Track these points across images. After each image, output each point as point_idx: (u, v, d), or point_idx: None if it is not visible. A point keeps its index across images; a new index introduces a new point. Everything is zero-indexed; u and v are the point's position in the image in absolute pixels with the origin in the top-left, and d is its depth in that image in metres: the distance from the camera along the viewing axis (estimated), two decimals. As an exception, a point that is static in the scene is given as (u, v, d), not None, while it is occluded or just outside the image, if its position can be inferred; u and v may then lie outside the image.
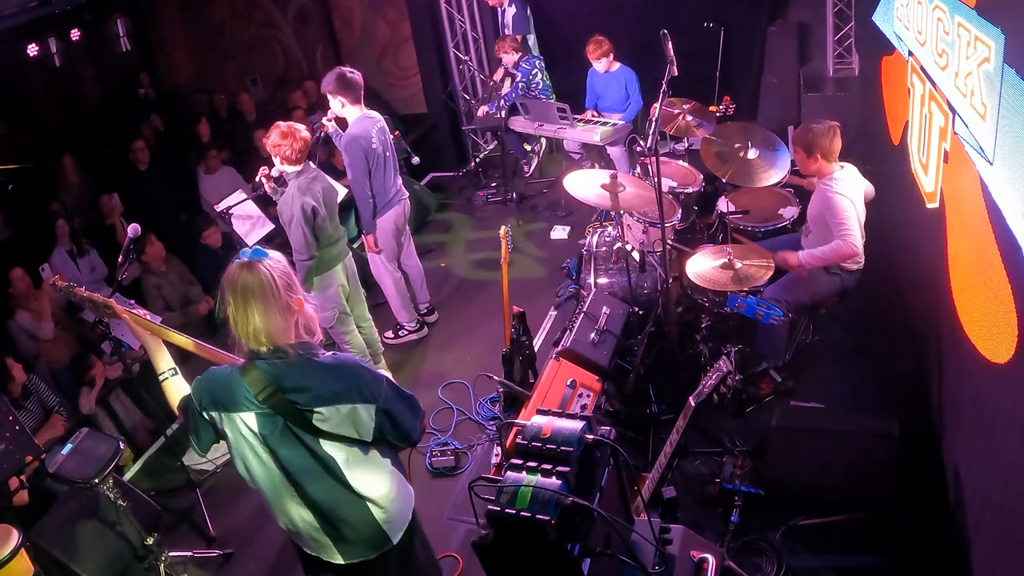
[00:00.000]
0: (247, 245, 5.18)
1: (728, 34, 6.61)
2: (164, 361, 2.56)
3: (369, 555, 2.45)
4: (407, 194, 5.10)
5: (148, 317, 2.71)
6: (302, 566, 2.63)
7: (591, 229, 5.36)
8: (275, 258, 2.23)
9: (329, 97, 4.64)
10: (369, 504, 2.37)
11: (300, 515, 2.36)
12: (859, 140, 6.05)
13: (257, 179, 4.44)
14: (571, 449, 2.11)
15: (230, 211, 5.10)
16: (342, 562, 2.45)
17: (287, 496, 2.33)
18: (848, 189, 3.87)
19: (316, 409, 2.20)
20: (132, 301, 4.48)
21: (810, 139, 3.90)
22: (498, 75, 7.15)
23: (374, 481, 2.37)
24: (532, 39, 7.62)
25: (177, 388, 2.50)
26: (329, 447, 2.26)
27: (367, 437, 2.28)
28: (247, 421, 2.23)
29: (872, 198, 4.08)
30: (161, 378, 2.54)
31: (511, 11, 7.36)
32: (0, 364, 4.47)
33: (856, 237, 3.82)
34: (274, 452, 2.25)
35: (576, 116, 6.50)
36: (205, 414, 2.28)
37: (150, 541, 3.71)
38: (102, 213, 6.58)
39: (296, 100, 7.90)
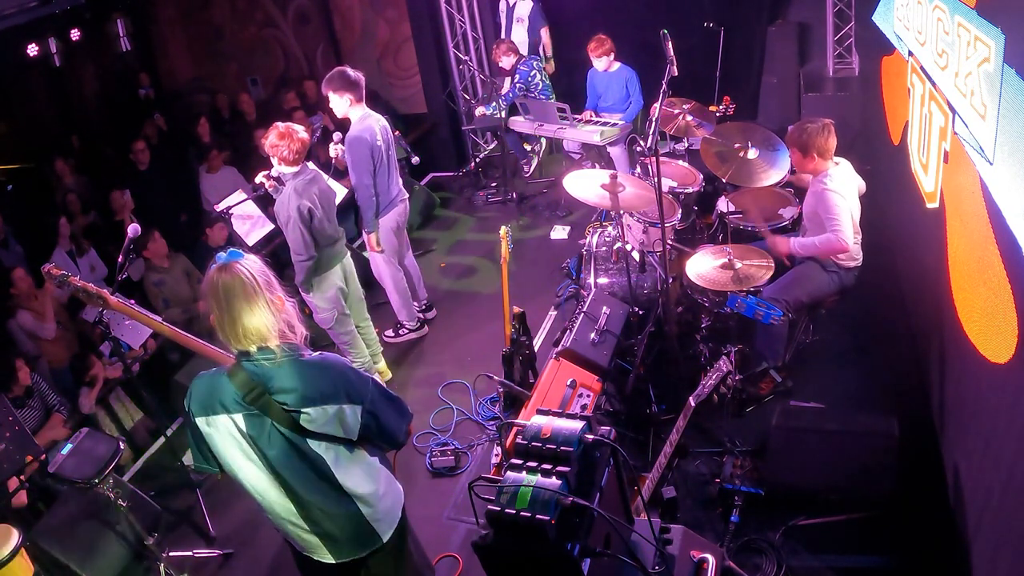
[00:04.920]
0: (247, 245, 5.20)
1: (728, 34, 6.61)
2: None
3: (359, 553, 2.46)
4: (407, 194, 5.11)
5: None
6: (297, 566, 2.63)
7: (591, 229, 5.37)
8: (251, 259, 2.25)
9: (333, 96, 4.63)
10: (357, 502, 2.39)
11: (289, 515, 2.37)
12: (859, 140, 6.06)
13: (257, 182, 4.44)
14: (571, 449, 2.11)
15: (230, 211, 5.11)
16: (333, 561, 2.46)
17: (276, 496, 2.34)
18: (841, 186, 3.89)
19: (303, 410, 2.21)
20: (132, 301, 4.49)
21: (805, 139, 3.92)
22: (505, 86, 7.14)
23: (362, 479, 2.39)
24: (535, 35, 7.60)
25: None
26: (317, 446, 2.28)
27: (352, 436, 2.30)
28: (236, 422, 2.23)
29: (862, 193, 4.10)
30: None
31: (527, 5, 7.35)
32: (9, 364, 4.48)
33: (847, 232, 3.83)
34: (262, 453, 2.26)
35: (576, 116, 6.50)
36: (195, 420, 2.28)
37: (150, 541, 3.71)
38: (103, 213, 6.58)
39: (295, 100, 7.91)
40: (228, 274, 2.16)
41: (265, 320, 2.18)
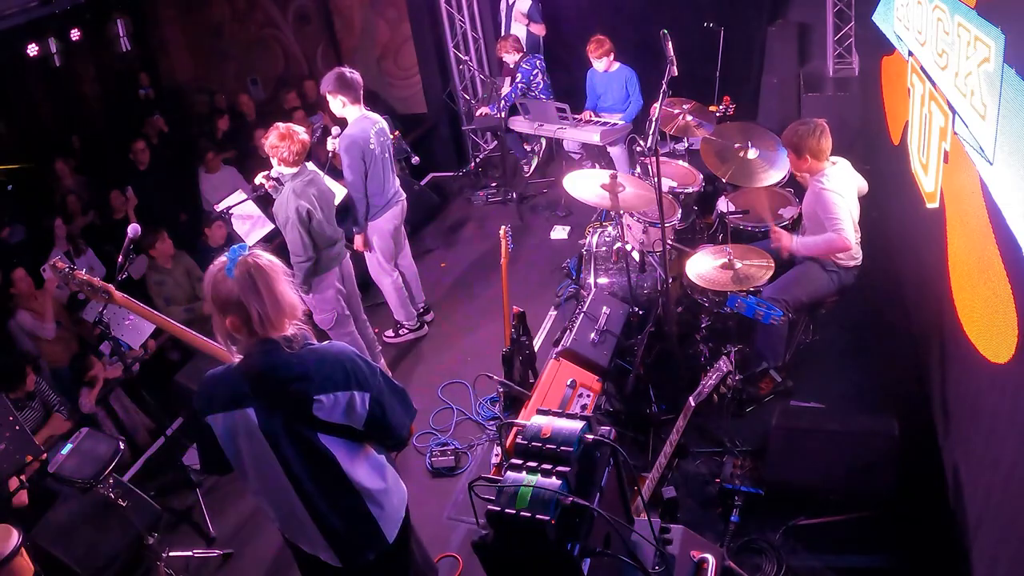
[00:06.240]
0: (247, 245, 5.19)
1: (728, 34, 6.60)
2: None
3: (367, 557, 2.46)
4: (404, 195, 5.10)
5: (140, 321, 2.75)
6: (300, 570, 2.63)
7: (591, 229, 5.36)
8: None
9: (328, 97, 4.65)
10: (365, 499, 2.39)
11: (297, 513, 2.37)
12: (859, 140, 6.05)
13: (256, 182, 4.44)
14: (571, 449, 2.11)
15: (230, 211, 5.11)
16: (340, 566, 2.45)
17: (285, 492, 2.33)
18: (838, 185, 3.88)
19: (316, 397, 2.21)
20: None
21: (796, 140, 3.92)
22: (505, 87, 7.13)
23: (370, 475, 2.39)
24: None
25: None
26: (327, 440, 2.28)
27: (359, 426, 2.30)
28: (248, 417, 2.23)
29: (864, 193, 4.10)
30: None
31: (526, 2, 7.34)
32: (20, 371, 4.49)
33: (848, 231, 3.83)
34: (274, 446, 2.26)
35: (576, 116, 6.50)
36: (206, 419, 2.27)
37: (150, 541, 3.71)
38: (103, 213, 6.58)
39: (296, 100, 7.91)
40: (255, 263, 2.17)
41: (295, 295, 2.24)
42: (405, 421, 2.40)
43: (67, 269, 2.90)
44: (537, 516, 1.98)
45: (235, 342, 2.24)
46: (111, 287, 2.81)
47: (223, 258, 2.19)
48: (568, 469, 2.08)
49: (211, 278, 2.19)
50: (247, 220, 5.34)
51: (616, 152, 6.53)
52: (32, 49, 6.17)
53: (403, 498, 2.56)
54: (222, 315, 2.19)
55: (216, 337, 2.27)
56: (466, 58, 7.94)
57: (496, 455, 4.03)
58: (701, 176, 5.01)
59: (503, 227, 4.23)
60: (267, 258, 2.22)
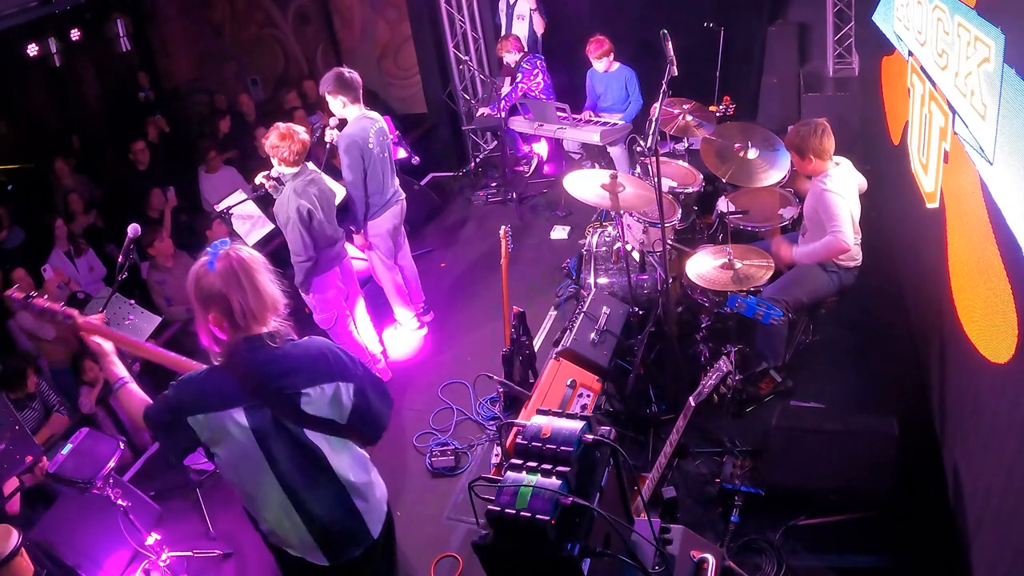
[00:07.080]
0: (247, 245, 5.19)
1: (728, 34, 6.60)
2: (119, 368, 2.56)
3: (353, 553, 2.47)
4: (403, 195, 5.10)
5: (140, 321, 2.70)
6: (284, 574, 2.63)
7: (591, 229, 5.37)
8: None
9: (328, 97, 4.65)
10: (351, 493, 2.41)
11: (286, 511, 2.37)
12: (859, 140, 6.05)
13: (257, 182, 4.44)
14: (571, 449, 2.11)
15: (230, 211, 5.11)
16: (327, 563, 2.45)
17: (274, 491, 2.33)
18: (840, 186, 3.88)
19: (303, 391, 2.25)
20: (132, 301, 4.44)
21: (799, 142, 3.92)
22: (505, 87, 7.13)
23: (355, 468, 2.42)
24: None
25: (138, 396, 2.47)
26: (313, 436, 2.31)
27: (344, 419, 2.33)
28: (235, 417, 2.23)
29: (863, 190, 4.10)
30: (117, 386, 2.52)
31: (527, 2, 7.31)
32: (20, 371, 4.50)
33: (848, 233, 3.83)
34: (262, 445, 2.27)
35: (576, 116, 6.50)
36: (189, 419, 2.25)
37: (150, 541, 3.71)
38: (104, 213, 6.58)
39: (296, 100, 7.91)
40: (236, 256, 2.19)
41: (277, 289, 2.26)
42: (385, 411, 2.45)
43: (24, 297, 2.79)
44: (537, 516, 1.98)
45: (218, 343, 2.24)
46: (75, 312, 2.70)
47: (205, 255, 2.21)
48: (568, 469, 2.08)
49: (194, 275, 2.21)
50: (247, 220, 5.34)
51: (616, 152, 6.53)
52: (32, 49, 6.17)
53: (384, 492, 2.59)
54: (204, 310, 2.20)
55: (199, 337, 2.27)
56: (466, 58, 7.94)
57: (496, 455, 4.03)
58: (701, 176, 5.01)
59: (503, 227, 4.24)
60: (248, 251, 2.25)
